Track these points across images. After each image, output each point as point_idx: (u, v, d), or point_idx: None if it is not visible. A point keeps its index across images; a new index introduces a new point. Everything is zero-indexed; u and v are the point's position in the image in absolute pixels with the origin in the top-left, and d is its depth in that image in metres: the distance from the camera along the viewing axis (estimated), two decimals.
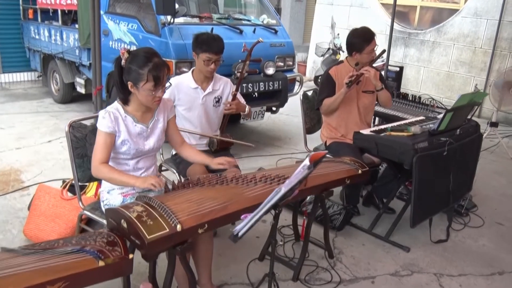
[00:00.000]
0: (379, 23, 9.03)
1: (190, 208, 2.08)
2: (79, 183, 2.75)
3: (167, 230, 1.94)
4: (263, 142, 5.84)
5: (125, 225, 2.00)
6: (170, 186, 2.36)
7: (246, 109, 3.28)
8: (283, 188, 1.87)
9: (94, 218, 2.66)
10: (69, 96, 7.18)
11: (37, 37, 7.47)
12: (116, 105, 2.43)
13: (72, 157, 2.68)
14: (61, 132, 5.59)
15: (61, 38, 6.66)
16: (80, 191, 3.02)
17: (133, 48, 5.08)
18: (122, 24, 5.31)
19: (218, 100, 3.27)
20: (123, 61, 2.30)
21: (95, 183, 3.21)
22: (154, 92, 2.29)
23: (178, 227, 1.94)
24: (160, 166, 3.52)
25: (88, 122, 2.79)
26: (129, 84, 2.30)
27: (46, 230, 3.16)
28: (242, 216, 1.95)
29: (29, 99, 7.54)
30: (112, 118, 2.34)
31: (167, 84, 2.38)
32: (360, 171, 2.87)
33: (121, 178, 2.30)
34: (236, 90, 3.30)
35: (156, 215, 2.00)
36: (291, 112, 6.86)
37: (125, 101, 2.41)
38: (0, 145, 5.24)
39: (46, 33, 7.09)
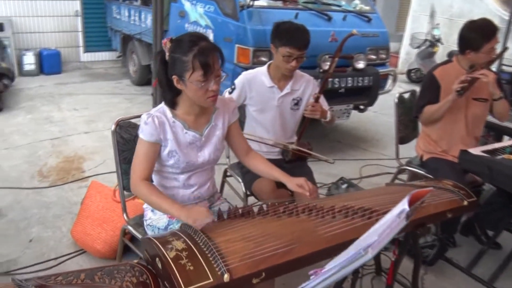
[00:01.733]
0: (489, 13, 8.00)
1: (245, 250, 1.57)
2: (125, 192, 2.34)
3: (211, 280, 1.45)
4: (346, 142, 5.23)
5: (159, 265, 1.54)
6: (225, 216, 1.86)
7: (328, 115, 2.65)
8: (370, 251, 1.31)
9: (136, 236, 2.25)
10: (145, 78, 6.95)
11: (118, 17, 7.33)
12: (163, 107, 1.97)
13: (117, 162, 2.28)
14: None
15: (140, 18, 6.41)
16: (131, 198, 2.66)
17: (209, 33, 4.65)
18: (199, 5, 4.89)
19: (297, 103, 2.70)
20: (166, 54, 1.84)
21: None
22: (205, 84, 1.79)
23: (226, 277, 1.45)
24: (225, 171, 3.06)
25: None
26: (175, 79, 1.82)
27: (92, 235, 2.82)
28: (311, 273, 1.42)
29: (107, 79, 7.42)
30: (156, 124, 1.88)
31: (223, 75, 1.87)
32: (465, 202, 2.21)
33: (162, 204, 1.82)
34: (320, 92, 2.67)
35: (199, 258, 1.52)
36: (381, 109, 6.15)
37: (171, 104, 1.94)
38: (71, 128, 5.07)
39: (126, 13, 6.89)
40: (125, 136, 2.26)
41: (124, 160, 2.27)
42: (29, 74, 7.50)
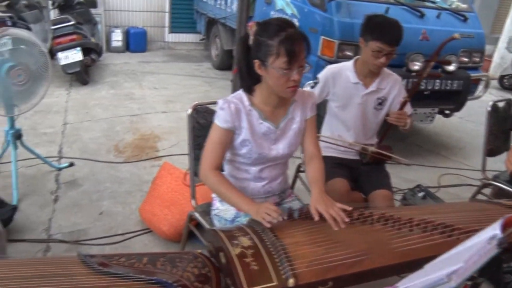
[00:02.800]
0: None
1: (313, 255, 1.48)
2: (196, 178, 2.30)
3: (275, 283, 1.37)
4: (426, 147, 4.96)
5: (223, 260, 1.48)
6: (296, 215, 1.76)
7: (408, 122, 2.45)
8: (455, 279, 1.17)
9: (202, 224, 2.21)
10: (226, 63, 6.95)
11: (204, 0, 7.36)
12: (240, 94, 1.89)
13: (191, 146, 2.25)
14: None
15: (226, 3, 6.41)
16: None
17: (295, 22, 4.53)
18: None
19: (381, 102, 2.54)
20: (251, 38, 1.75)
21: None
22: (288, 72, 1.69)
23: (291, 282, 1.37)
24: (298, 166, 2.97)
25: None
26: (256, 63, 1.73)
27: (159, 216, 2.82)
28: None
29: (189, 61, 7.50)
30: (232, 111, 1.81)
31: (306, 66, 1.76)
32: None
33: (231, 196, 1.75)
34: (409, 96, 2.48)
35: (265, 258, 1.45)
36: (467, 115, 5.79)
37: (249, 89, 1.85)
38: (150, 107, 5.16)
39: None
40: (201, 121, 2.22)
41: (197, 146, 2.23)
42: (116, 50, 7.75)
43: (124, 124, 4.60)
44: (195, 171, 2.28)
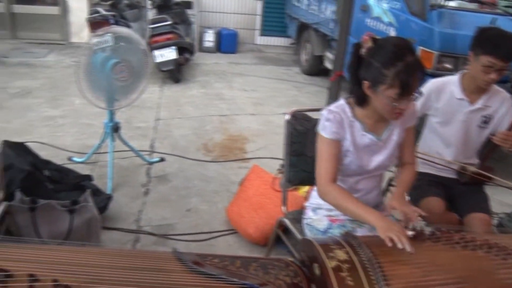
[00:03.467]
0: None
1: (410, 277, 1.41)
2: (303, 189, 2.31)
3: None
4: None
5: (317, 271, 1.46)
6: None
7: None
8: None
9: (292, 232, 2.20)
10: (316, 69, 6.92)
11: (297, 4, 7.38)
12: (343, 105, 1.85)
13: (287, 153, 2.24)
14: (298, 106, 5.24)
15: (319, 8, 6.37)
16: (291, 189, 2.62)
17: (391, 31, 4.43)
18: (384, 1, 4.68)
19: (486, 121, 2.39)
20: (363, 50, 1.70)
21: None
22: (397, 103, 1.64)
23: None
24: (390, 180, 2.88)
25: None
26: (365, 84, 1.68)
27: (246, 218, 2.85)
28: None
29: (278, 64, 7.54)
30: (338, 121, 1.77)
31: (417, 95, 1.69)
32: None
33: (356, 209, 1.68)
34: None
35: (361, 273, 1.40)
36: None
37: (361, 101, 1.81)
38: (239, 108, 5.23)
39: (306, 2, 6.91)
40: (299, 128, 2.20)
41: (293, 152, 2.22)
42: (208, 50, 7.95)
43: (213, 123, 4.70)
44: (288, 177, 2.27)
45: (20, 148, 2.98)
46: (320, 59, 6.64)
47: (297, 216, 2.24)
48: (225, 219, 3.07)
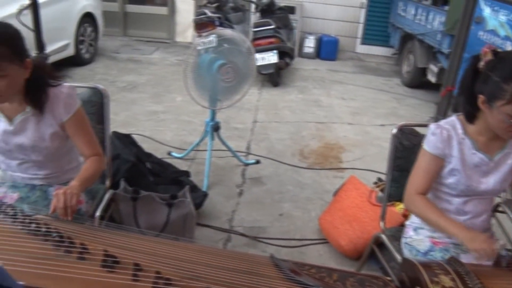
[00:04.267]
0: None
1: None
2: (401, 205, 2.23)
3: None
4: None
5: None
6: (504, 263, 1.59)
7: None
8: None
9: (389, 250, 2.12)
10: (417, 81, 6.66)
11: (402, 14, 7.16)
12: (454, 121, 1.76)
13: (390, 167, 2.17)
14: (397, 119, 5.19)
15: (426, 18, 6.13)
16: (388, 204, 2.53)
17: (508, 45, 4.16)
18: (501, 13, 4.40)
19: None
20: (481, 63, 1.60)
21: None
22: None
23: None
24: (497, 206, 2.70)
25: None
26: (480, 98, 1.58)
27: (339, 229, 2.79)
28: None
29: (378, 74, 7.36)
30: (444, 137, 1.70)
31: None
32: None
33: (440, 221, 1.64)
34: None
35: None
36: None
37: (469, 118, 1.71)
38: (336, 116, 5.17)
39: (412, 11, 6.67)
40: (405, 143, 2.12)
41: (396, 167, 2.15)
42: (307, 56, 7.95)
43: (310, 130, 4.68)
44: (389, 192, 2.20)
45: (126, 140, 3.14)
46: (423, 71, 6.38)
47: (396, 233, 2.15)
48: (317, 227, 3.03)
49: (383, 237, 2.19)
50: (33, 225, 1.43)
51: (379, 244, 2.43)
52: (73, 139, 1.85)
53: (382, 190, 2.90)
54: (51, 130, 1.78)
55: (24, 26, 2.53)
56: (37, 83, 1.73)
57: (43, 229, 1.40)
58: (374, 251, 2.38)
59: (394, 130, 2.13)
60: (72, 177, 1.97)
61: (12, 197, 1.85)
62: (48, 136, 1.78)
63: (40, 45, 2.73)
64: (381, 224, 2.25)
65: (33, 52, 2.26)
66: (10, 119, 1.76)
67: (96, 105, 2.23)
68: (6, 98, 1.65)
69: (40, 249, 1.31)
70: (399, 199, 2.24)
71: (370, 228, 2.65)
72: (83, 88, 2.17)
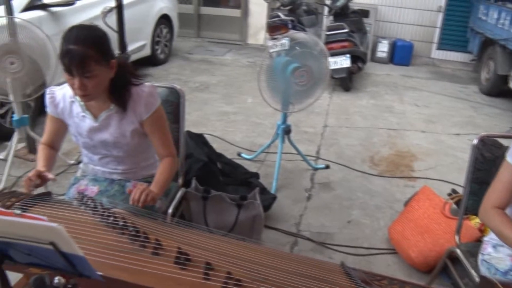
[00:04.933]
0: None
1: None
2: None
3: None
4: None
5: None
6: None
7: None
8: None
9: (465, 266, 2.03)
10: (497, 89, 6.35)
11: (483, 18, 6.84)
12: None
13: (468, 179, 2.07)
14: (474, 128, 4.98)
15: (510, 23, 5.82)
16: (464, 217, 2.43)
17: None
18: None
19: None
20: None
21: None
22: None
23: None
24: None
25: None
26: None
27: (410, 240, 2.71)
28: None
29: (454, 81, 7.09)
30: None
31: None
32: None
33: None
34: None
35: None
36: None
37: None
38: (409, 123, 5.03)
39: (495, 15, 6.35)
40: (486, 154, 2.02)
41: (476, 180, 2.05)
42: (380, 61, 7.79)
43: (381, 136, 4.58)
44: (466, 205, 2.11)
45: (199, 139, 3.21)
46: (503, 78, 6.07)
47: (472, 249, 2.06)
48: (385, 237, 2.97)
49: (458, 251, 2.10)
50: (111, 218, 1.49)
51: (452, 258, 2.34)
52: (150, 137, 1.91)
53: (456, 203, 2.79)
54: (132, 127, 1.85)
55: (109, 28, 2.66)
56: (121, 82, 1.81)
57: (121, 223, 1.45)
58: (447, 266, 2.29)
59: (475, 141, 2.03)
60: (148, 173, 2.05)
61: (92, 190, 1.95)
62: (129, 133, 1.86)
63: (123, 46, 2.84)
64: (456, 238, 2.17)
65: (115, 52, 2.36)
66: (95, 116, 1.85)
67: (173, 105, 2.29)
68: (93, 97, 1.73)
69: (117, 242, 1.36)
70: (476, 213, 2.14)
71: (443, 241, 2.56)
72: (160, 87, 2.25)
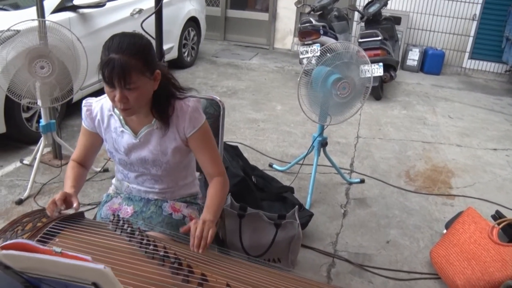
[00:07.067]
0: None
1: None
2: None
3: None
4: None
5: None
6: None
7: None
8: None
9: None
10: None
11: None
12: None
13: None
14: (511, 143, 4.78)
15: None
16: None
17: None
18: None
19: None
20: None
21: None
22: None
23: None
24: None
25: None
26: None
27: (455, 266, 2.56)
28: None
29: (486, 92, 6.88)
30: None
31: None
32: None
33: None
34: None
35: None
36: None
37: None
38: (443, 136, 4.86)
39: None
40: None
41: None
42: (410, 69, 7.62)
43: (416, 150, 4.42)
44: None
45: (233, 152, 3.10)
46: None
47: None
48: (426, 259, 2.82)
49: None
50: (151, 246, 1.38)
51: None
52: (197, 155, 1.79)
53: (504, 228, 2.63)
54: (174, 144, 1.74)
55: (146, 34, 2.55)
56: (164, 96, 1.69)
57: (161, 252, 1.35)
58: None
59: None
60: (186, 193, 1.94)
61: (127, 210, 1.83)
62: (171, 150, 1.74)
63: (161, 54, 2.73)
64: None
65: None
66: (135, 132, 1.74)
67: (212, 117, 2.18)
68: (134, 111, 1.62)
69: (158, 275, 1.26)
70: None
71: (493, 269, 2.41)
72: (199, 98, 2.14)
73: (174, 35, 6.22)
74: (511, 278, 2.06)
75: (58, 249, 0.92)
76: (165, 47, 5.71)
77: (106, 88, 1.55)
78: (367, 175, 3.79)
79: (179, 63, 6.58)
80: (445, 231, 2.94)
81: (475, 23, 7.73)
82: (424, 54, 7.66)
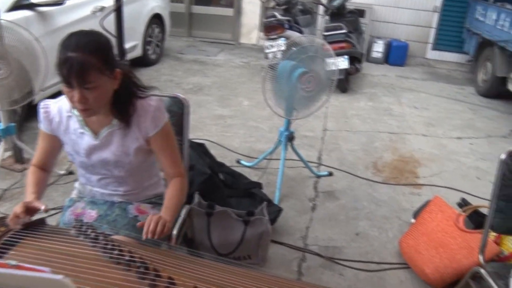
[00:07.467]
0: None
1: None
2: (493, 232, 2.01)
3: None
4: None
5: None
6: None
7: None
8: None
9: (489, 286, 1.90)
10: (495, 91, 6.25)
11: (480, 19, 6.76)
12: None
13: (495, 195, 1.95)
14: (474, 132, 4.89)
15: (510, 24, 5.73)
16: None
17: None
18: None
19: None
20: None
21: None
22: None
23: None
24: None
25: None
26: None
27: (423, 255, 2.58)
28: None
29: (449, 82, 7.01)
30: None
31: None
32: None
33: None
34: None
35: None
36: None
37: None
38: (409, 126, 4.92)
39: (493, 16, 6.27)
40: None
41: (503, 197, 1.92)
42: (375, 61, 7.70)
43: (383, 141, 4.45)
44: (492, 223, 1.98)
45: (200, 149, 3.05)
46: (502, 80, 5.99)
47: (500, 270, 1.94)
48: (395, 250, 2.84)
49: (483, 272, 1.98)
50: (116, 251, 1.33)
51: (475, 278, 2.22)
52: (158, 156, 1.74)
53: (469, 215, 2.67)
54: (136, 144, 1.68)
55: (106, 32, 2.48)
56: (125, 95, 1.64)
57: (127, 257, 1.30)
58: (469, 286, 2.17)
59: (503, 156, 1.91)
60: (152, 193, 1.89)
61: (91, 214, 1.77)
62: (133, 150, 1.69)
63: (122, 52, 2.66)
64: (481, 258, 2.04)
65: None
66: (95, 133, 1.67)
67: (176, 115, 2.12)
68: (94, 111, 1.56)
69: (124, 281, 1.21)
70: (505, 231, 2.03)
71: (460, 256, 2.44)
72: (161, 96, 2.08)
73: (138, 32, 6.10)
74: (478, 265, 2.08)
75: (13, 262, 0.87)
76: (128, 45, 5.62)
77: (65, 88, 1.48)
78: (335, 168, 3.79)
79: (144, 61, 6.46)
80: (413, 220, 2.96)
81: (436, 15, 7.87)
82: (389, 46, 7.76)
